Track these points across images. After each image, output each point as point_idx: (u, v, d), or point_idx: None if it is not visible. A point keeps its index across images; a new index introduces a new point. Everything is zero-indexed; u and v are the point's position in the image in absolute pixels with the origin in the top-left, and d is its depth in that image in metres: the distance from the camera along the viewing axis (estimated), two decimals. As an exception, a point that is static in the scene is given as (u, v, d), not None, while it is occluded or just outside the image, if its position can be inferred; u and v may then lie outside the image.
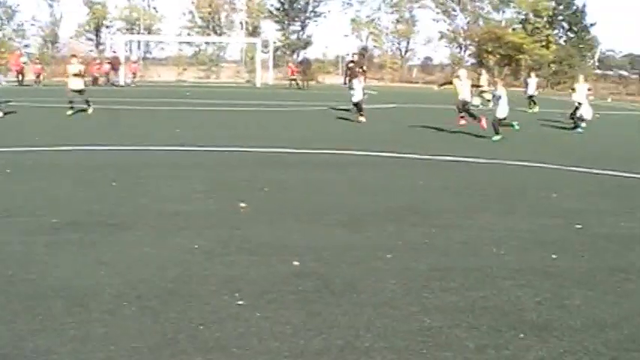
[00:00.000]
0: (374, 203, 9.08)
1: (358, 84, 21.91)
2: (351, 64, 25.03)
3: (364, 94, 22.54)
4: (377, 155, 13.94)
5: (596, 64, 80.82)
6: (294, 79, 46.75)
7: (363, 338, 4.58)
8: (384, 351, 4.39)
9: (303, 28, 74.30)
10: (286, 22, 72.82)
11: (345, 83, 24.86)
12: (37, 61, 48.92)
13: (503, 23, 75.15)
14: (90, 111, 21.75)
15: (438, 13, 75.27)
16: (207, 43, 66.67)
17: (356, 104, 21.77)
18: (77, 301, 5.12)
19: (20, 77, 44.58)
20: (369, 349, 4.42)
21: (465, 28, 75.45)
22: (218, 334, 4.58)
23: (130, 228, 7.39)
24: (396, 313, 5.06)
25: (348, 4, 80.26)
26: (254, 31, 66.67)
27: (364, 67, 24.46)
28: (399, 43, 77.06)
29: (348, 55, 79.84)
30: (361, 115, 21.55)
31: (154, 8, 70.18)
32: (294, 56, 66.05)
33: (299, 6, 72.74)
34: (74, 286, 5.47)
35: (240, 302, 5.18)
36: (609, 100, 47.50)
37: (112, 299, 5.18)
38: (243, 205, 8.64)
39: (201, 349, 4.34)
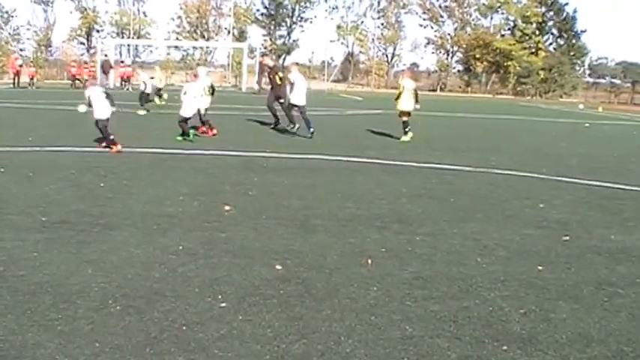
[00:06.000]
0: (357, 209, 9.19)
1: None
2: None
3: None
4: (360, 161, 14.08)
5: (587, 71, 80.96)
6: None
7: (345, 344, 4.66)
8: (365, 358, 4.48)
9: (289, 33, 74.75)
10: (272, 27, 73.23)
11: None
12: (32, 64, 49.63)
13: (491, 29, 75.37)
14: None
15: (424, 19, 75.64)
16: (194, 47, 67.31)
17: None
18: (65, 297, 5.24)
19: (16, 80, 44.99)
20: (349, 355, 4.51)
21: (453, 34, 75.70)
22: (200, 335, 4.69)
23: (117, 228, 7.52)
24: (378, 321, 5.12)
25: (334, 9, 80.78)
26: (241, 36, 67.04)
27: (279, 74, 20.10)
28: (385, 49, 77.40)
29: (332, 60, 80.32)
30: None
31: (144, 13, 71.09)
32: (280, 61, 66.01)
33: (285, 11, 73.17)
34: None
35: (223, 304, 5.30)
36: (600, 109, 47.77)
37: (98, 297, 5.29)
38: (227, 207, 8.74)
39: (183, 349, 4.45)
